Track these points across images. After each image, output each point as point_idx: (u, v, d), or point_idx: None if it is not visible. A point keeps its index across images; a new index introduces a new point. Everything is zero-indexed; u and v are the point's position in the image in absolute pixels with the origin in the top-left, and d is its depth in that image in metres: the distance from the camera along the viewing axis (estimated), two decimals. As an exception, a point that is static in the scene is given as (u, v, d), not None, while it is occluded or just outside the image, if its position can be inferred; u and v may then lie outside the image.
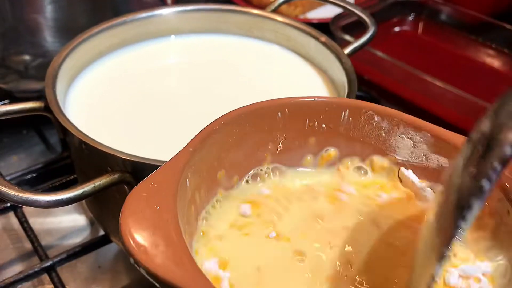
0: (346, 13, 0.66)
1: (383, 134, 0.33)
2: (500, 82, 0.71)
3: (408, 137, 0.32)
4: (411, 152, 0.32)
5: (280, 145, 0.33)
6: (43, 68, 0.51)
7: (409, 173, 0.32)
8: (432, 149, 0.31)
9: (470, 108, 0.60)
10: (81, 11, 0.58)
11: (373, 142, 0.33)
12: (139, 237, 0.23)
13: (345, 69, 0.44)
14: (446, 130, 0.31)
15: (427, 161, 0.32)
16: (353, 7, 0.53)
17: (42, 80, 0.60)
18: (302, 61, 0.52)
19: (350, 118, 0.32)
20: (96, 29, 0.49)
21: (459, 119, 0.61)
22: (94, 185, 0.34)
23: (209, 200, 0.30)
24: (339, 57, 0.46)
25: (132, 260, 0.22)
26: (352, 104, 0.33)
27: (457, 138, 0.30)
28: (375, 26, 0.50)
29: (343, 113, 0.32)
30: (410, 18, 0.82)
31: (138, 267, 0.22)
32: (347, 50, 0.48)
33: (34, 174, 0.56)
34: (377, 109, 0.32)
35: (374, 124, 0.32)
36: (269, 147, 0.32)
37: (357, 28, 0.72)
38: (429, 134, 0.31)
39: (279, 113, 0.32)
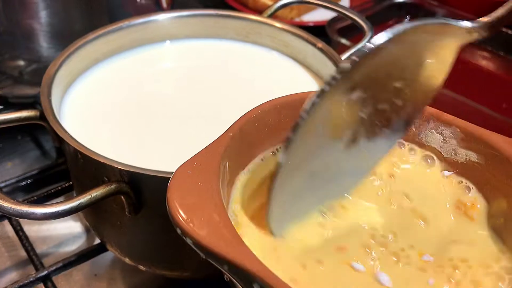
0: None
1: (413, 129, 0.33)
2: (496, 84, 0.71)
3: (437, 132, 0.33)
4: (440, 146, 0.33)
5: None
6: (38, 74, 0.50)
7: None
8: (461, 144, 0.32)
9: (466, 111, 0.60)
10: (76, 17, 0.58)
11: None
12: (185, 210, 0.24)
13: (343, 76, 0.44)
14: (475, 126, 0.32)
15: (456, 155, 0.32)
16: (350, 12, 0.52)
17: (37, 86, 0.59)
18: (299, 67, 0.52)
19: None
20: (91, 35, 0.48)
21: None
22: (90, 196, 0.34)
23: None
24: (336, 64, 0.46)
25: (179, 231, 0.24)
26: None
27: (486, 134, 0.31)
28: (372, 31, 0.50)
29: None
30: (406, 20, 0.82)
31: (184, 238, 0.24)
32: (344, 57, 0.48)
33: (29, 181, 0.56)
34: None
35: None
36: None
37: (353, 31, 0.72)
38: (458, 129, 0.32)
39: None
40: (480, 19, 0.29)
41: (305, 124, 0.26)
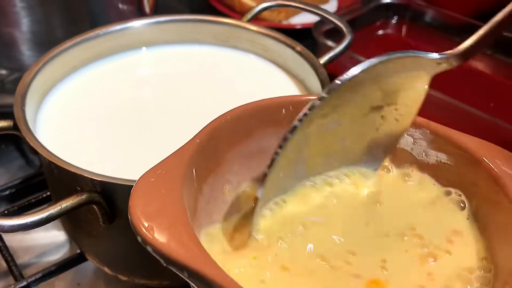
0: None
1: None
2: (485, 84, 0.71)
3: (408, 134, 0.33)
4: (411, 148, 0.33)
5: None
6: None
7: None
8: (431, 145, 0.32)
9: (454, 112, 0.59)
10: (58, 24, 0.57)
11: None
12: (147, 218, 0.24)
13: (321, 80, 0.44)
14: (444, 127, 0.32)
15: (427, 157, 0.32)
16: (329, 15, 0.52)
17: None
18: (279, 71, 0.51)
19: None
20: (68, 43, 0.48)
21: (443, 123, 0.60)
22: (60, 207, 0.34)
23: (216, 195, 0.31)
24: (314, 67, 0.46)
25: (139, 239, 0.24)
26: None
27: (455, 135, 0.31)
28: (351, 34, 0.49)
29: None
30: (394, 21, 0.82)
31: (145, 246, 0.24)
32: (323, 60, 0.47)
33: (13, 190, 0.55)
34: None
35: None
36: (273, 142, 0.33)
37: (340, 33, 0.72)
38: (428, 131, 0.32)
39: (283, 110, 0.33)
40: (448, 51, 0.30)
41: (281, 159, 0.27)
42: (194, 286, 0.24)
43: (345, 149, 0.31)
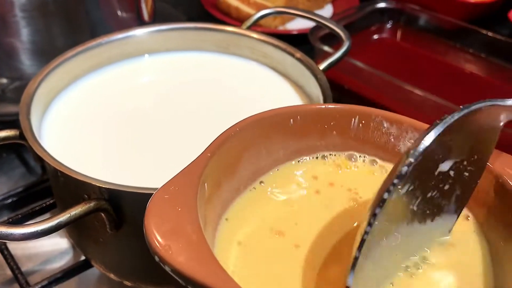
0: (324, 24, 0.66)
1: (392, 140, 0.33)
2: (478, 86, 0.72)
3: (411, 142, 0.33)
4: None
5: (293, 150, 0.34)
6: (20, 91, 0.51)
7: None
8: None
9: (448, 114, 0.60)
10: (58, 33, 0.58)
11: (382, 147, 0.34)
12: (163, 237, 0.24)
13: (320, 85, 0.45)
14: None
15: None
16: (327, 21, 0.53)
17: (20, 103, 0.60)
18: (279, 77, 0.52)
19: (360, 125, 0.34)
20: (71, 53, 0.48)
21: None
22: (69, 215, 0.34)
23: (229, 200, 0.31)
24: (314, 73, 0.46)
25: (157, 259, 0.24)
26: (361, 111, 0.34)
27: None
28: (349, 40, 0.50)
29: (353, 120, 0.33)
30: (388, 25, 0.83)
31: (163, 265, 0.23)
32: (322, 66, 0.48)
33: (15, 198, 0.56)
34: (386, 115, 0.33)
35: (383, 130, 0.33)
36: (282, 152, 0.34)
37: (335, 38, 0.72)
38: None
39: (291, 120, 0.33)
40: None
41: (370, 237, 0.25)
42: None
43: (416, 213, 0.29)
